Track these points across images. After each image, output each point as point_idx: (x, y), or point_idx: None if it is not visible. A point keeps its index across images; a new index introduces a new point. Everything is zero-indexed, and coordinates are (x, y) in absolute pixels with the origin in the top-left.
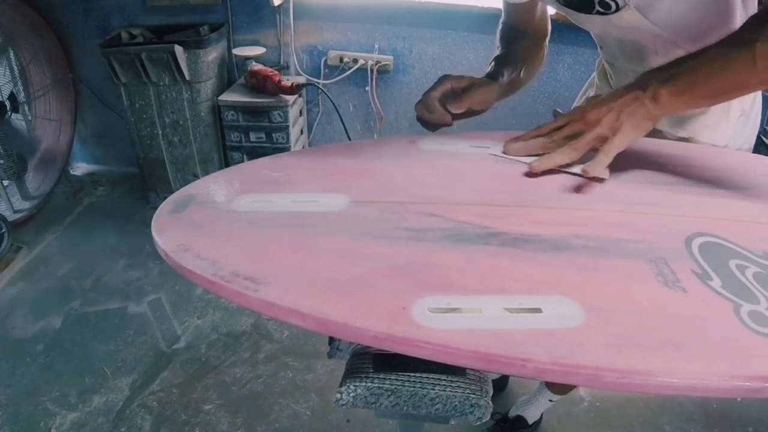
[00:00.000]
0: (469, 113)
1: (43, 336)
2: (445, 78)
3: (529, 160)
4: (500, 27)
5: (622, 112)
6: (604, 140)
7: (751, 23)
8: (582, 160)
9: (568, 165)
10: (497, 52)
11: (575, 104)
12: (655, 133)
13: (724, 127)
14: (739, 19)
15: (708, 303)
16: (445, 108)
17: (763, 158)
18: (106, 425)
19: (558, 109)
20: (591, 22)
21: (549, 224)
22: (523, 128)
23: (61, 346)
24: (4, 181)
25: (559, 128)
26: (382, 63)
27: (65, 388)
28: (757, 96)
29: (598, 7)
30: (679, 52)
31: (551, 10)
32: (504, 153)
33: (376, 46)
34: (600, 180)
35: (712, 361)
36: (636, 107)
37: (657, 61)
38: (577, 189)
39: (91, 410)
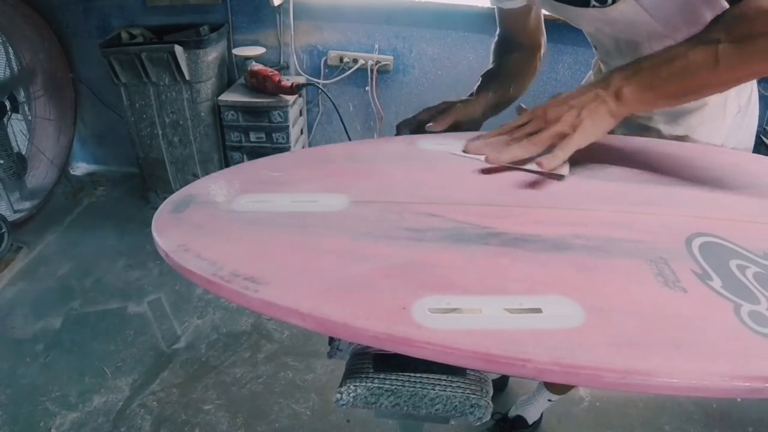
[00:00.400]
0: (456, 129)
1: (43, 336)
2: (424, 110)
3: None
4: (494, 40)
5: (583, 110)
6: (563, 137)
7: (715, 23)
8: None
9: (527, 161)
10: (488, 66)
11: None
12: (650, 132)
13: (720, 124)
14: None
15: (708, 303)
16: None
17: (763, 158)
18: (106, 425)
19: (522, 105)
20: (586, 18)
21: (549, 224)
22: None
23: (61, 346)
24: (4, 181)
25: (520, 126)
26: (382, 63)
27: (65, 388)
28: (753, 92)
29: (593, 1)
30: None
31: (546, 12)
32: (464, 151)
33: (376, 46)
34: (559, 177)
35: (713, 362)
36: (597, 105)
37: None
38: (578, 189)
39: (91, 410)
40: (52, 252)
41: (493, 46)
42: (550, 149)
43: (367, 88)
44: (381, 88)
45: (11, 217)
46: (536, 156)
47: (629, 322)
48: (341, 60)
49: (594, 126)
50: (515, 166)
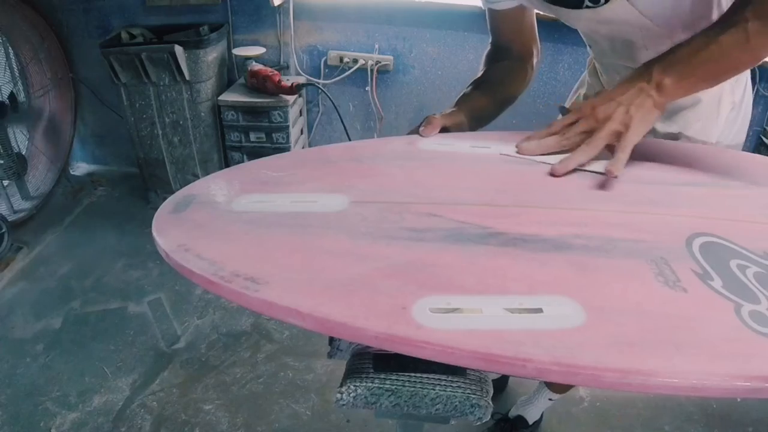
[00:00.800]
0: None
1: (43, 336)
2: (410, 131)
3: (543, 159)
4: (486, 49)
5: (630, 106)
6: (618, 135)
7: (738, 5)
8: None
9: (587, 163)
10: (478, 74)
11: (568, 102)
12: None
13: (714, 120)
14: (724, 6)
15: (709, 303)
16: None
17: (763, 158)
18: (106, 425)
19: (561, 104)
20: (580, 19)
21: (549, 224)
22: (523, 128)
23: (61, 346)
24: (4, 181)
25: (569, 125)
26: (382, 63)
27: (65, 388)
28: (747, 89)
29: (587, 2)
30: (669, 46)
31: (542, 18)
32: (518, 153)
33: (376, 46)
34: (615, 177)
35: (713, 361)
36: (642, 99)
37: (647, 55)
38: (577, 189)
39: (91, 410)
40: (52, 252)
41: (484, 55)
42: (607, 149)
43: (367, 88)
44: (381, 88)
45: (11, 217)
46: (593, 156)
47: (629, 322)
48: (341, 60)
49: (644, 120)
50: (580, 168)
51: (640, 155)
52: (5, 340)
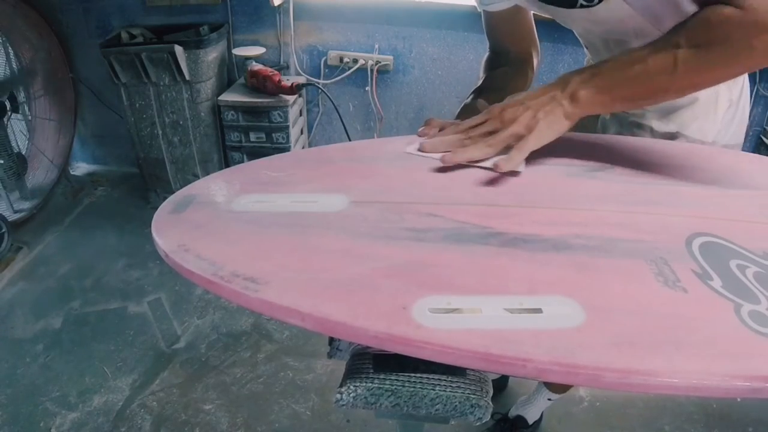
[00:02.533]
0: None
1: (43, 336)
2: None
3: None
4: (484, 57)
5: (539, 111)
6: (519, 138)
7: (677, 29)
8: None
9: (483, 161)
10: (478, 83)
11: (523, 93)
12: (643, 128)
13: (712, 119)
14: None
15: (708, 303)
16: None
17: (763, 158)
18: (106, 425)
19: (482, 100)
20: (575, 18)
21: (549, 224)
22: None
23: (61, 346)
24: (4, 181)
25: (476, 125)
26: (382, 63)
27: (65, 388)
28: (744, 86)
29: (581, 1)
30: None
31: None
32: (419, 150)
33: (376, 46)
34: (515, 173)
35: (713, 361)
36: (553, 107)
37: None
38: (578, 189)
39: (91, 410)
40: (52, 252)
41: (483, 62)
42: (506, 150)
43: (367, 88)
44: (381, 88)
45: (11, 217)
46: (492, 156)
47: (629, 322)
48: (341, 60)
49: (549, 128)
50: (471, 164)
51: (639, 155)
52: (5, 340)
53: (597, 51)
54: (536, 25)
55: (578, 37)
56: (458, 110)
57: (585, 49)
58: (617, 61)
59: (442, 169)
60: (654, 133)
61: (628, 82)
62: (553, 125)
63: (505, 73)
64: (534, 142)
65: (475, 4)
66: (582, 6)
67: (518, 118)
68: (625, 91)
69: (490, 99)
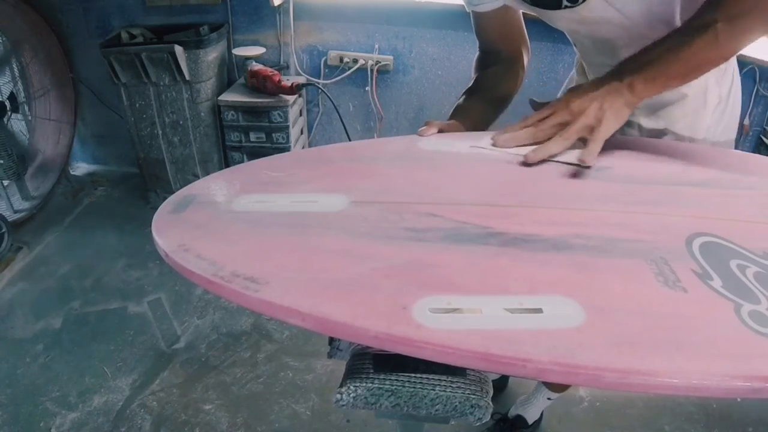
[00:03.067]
0: None
1: (43, 336)
2: None
3: (517, 151)
4: (475, 57)
5: (604, 102)
6: (590, 129)
7: (709, 7)
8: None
9: (559, 153)
10: (470, 83)
11: (584, 84)
12: (631, 126)
13: (702, 115)
14: (698, 3)
15: (708, 303)
16: None
17: (763, 158)
18: (106, 425)
19: (533, 98)
20: (561, 19)
21: (549, 224)
22: None
23: (61, 346)
24: (4, 181)
25: (543, 119)
26: (382, 63)
27: (65, 388)
28: (734, 82)
29: (565, 2)
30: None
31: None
32: (493, 146)
33: (376, 46)
34: (587, 167)
35: (713, 361)
36: (615, 97)
37: (629, 54)
38: (577, 189)
39: (91, 410)
40: (52, 252)
41: (474, 62)
42: (578, 142)
43: (367, 88)
44: (381, 88)
45: (11, 217)
46: (567, 149)
47: (629, 322)
48: (341, 60)
49: (615, 117)
50: (551, 160)
51: (639, 155)
52: (5, 340)
53: (585, 49)
54: (536, 27)
55: (567, 35)
56: (451, 110)
57: (574, 47)
58: (663, 46)
59: (523, 164)
60: (642, 130)
61: (678, 64)
62: (618, 115)
63: (495, 72)
64: (605, 132)
65: (464, 4)
66: (566, 7)
67: (586, 109)
68: (676, 72)
69: (482, 99)
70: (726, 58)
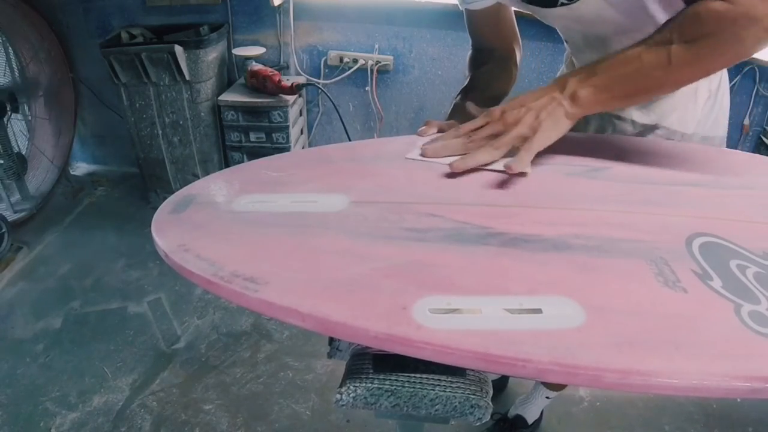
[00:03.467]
0: None
1: (43, 336)
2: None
3: (447, 161)
4: (468, 55)
5: (540, 112)
6: (524, 139)
7: (668, 24)
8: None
9: (489, 163)
10: (465, 82)
11: (522, 94)
12: (624, 121)
13: (692, 109)
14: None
15: (708, 303)
16: None
17: (763, 158)
18: (106, 425)
19: (471, 103)
20: (555, 16)
21: (549, 224)
22: None
23: (61, 346)
24: (4, 181)
25: (476, 129)
26: (382, 63)
27: (65, 388)
28: (723, 77)
29: (561, 0)
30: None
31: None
32: (422, 156)
33: (376, 46)
34: (523, 174)
35: (713, 362)
36: (554, 107)
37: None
38: (577, 189)
39: (91, 410)
40: (52, 252)
41: (467, 60)
42: (511, 152)
43: (367, 88)
44: (381, 88)
45: (11, 217)
46: (498, 159)
47: (629, 322)
48: (341, 60)
49: (553, 128)
50: (480, 168)
51: (638, 155)
52: (5, 340)
53: (577, 46)
54: (535, 27)
55: (559, 32)
56: (449, 110)
57: (565, 44)
58: (613, 60)
59: (449, 174)
60: (635, 125)
61: (625, 80)
62: (556, 125)
63: (490, 71)
64: (539, 143)
65: (458, 3)
66: (563, 4)
67: (521, 119)
68: (622, 88)
69: (477, 98)
70: (677, 85)
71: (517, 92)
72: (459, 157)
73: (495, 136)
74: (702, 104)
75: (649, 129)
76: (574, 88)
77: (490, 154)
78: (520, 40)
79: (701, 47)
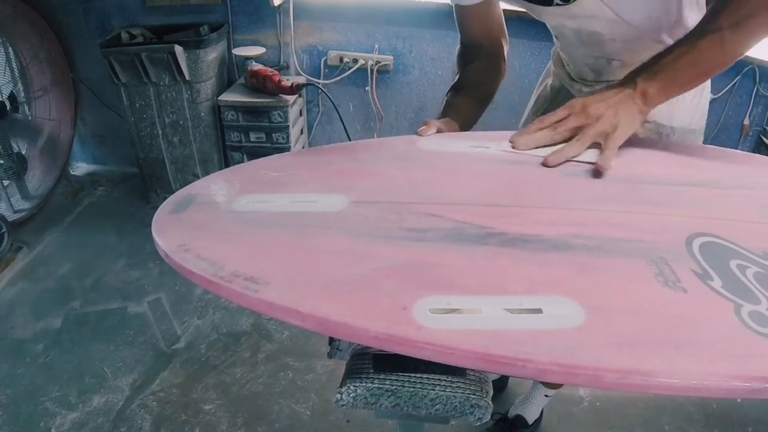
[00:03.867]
0: None
1: (43, 336)
2: None
3: (536, 152)
4: (457, 50)
5: (619, 109)
6: (605, 135)
7: (712, 13)
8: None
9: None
10: (454, 79)
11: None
12: None
13: (681, 106)
14: (685, 1)
15: (708, 303)
16: None
17: (763, 158)
18: (106, 425)
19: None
20: (550, 14)
21: (549, 224)
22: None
23: (61, 346)
24: (4, 181)
25: (560, 121)
26: (382, 63)
27: (65, 388)
28: None
29: (557, 0)
30: (635, 37)
31: (512, 16)
32: (512, 148)
33: (376, 46)
34: (606, 170)
35: (713, 362)
36: (630, 104)
37: (614, 47)
38: (577, 189)
39: (91, 410)
40: (52, 252)
41: (455, 57)
42: (594, 145)
43: (367, 88)
44: (381, 88)
45: (11, 217)
46: (582, 152)
47: (629, 322)
48: (341, 60)
49: (629, 124)
50: (569, 160)
51: (639, 155)
52: (5, 340)
53: (569, 42)
54: (535, 27)
55: (550, 28)
56: (441, 109)
57: (555, 39)
58: (674, 54)
59: (543, 169)
60: None
61: (687, 70)
62: (631, 122)
63: (480, 67)
64: (620, 138)
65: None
66: (558, 4)
67: (602, 115)
68: (685, 77)
69: (469, 95)
70: (732, 62)
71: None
72: (550, 151)
73: (578, 128)
74: (690, 98)
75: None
76: (644, 86)
77: (577, 149)
78: (507, 36)
79: (747, 27)
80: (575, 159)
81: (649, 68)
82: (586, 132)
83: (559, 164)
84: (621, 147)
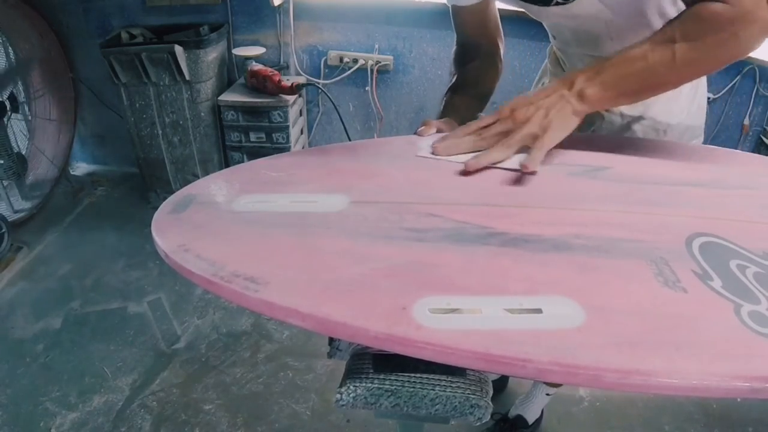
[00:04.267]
0: None
1: (43, 336)
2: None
3: (457, 159)
4: (453, 50)
5: (550, 110)
6: (534, 138)
7: (672, 24)
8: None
9: (501, 161)
10: (452, 80)
11: (531, 92)
12: (610, 113)
13: (676, 99)
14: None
15: (708, 303)
16: None
17: (763, 158)
18: (106, 425)
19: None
20: (548, 14)
21: (549, 224)
22: None
23: (61, 346)
24: (4, 181)
25: (486, 126)
26: (382, 63)
27: (65, 388)
28: None
29: None
30: (633, 37)
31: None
32: (433, 153)
33: (376, 46)
34: (533, 172)
35: (713, 362)
36: (562, 105)
37: (611, 45)
38: (577, 189)
39: (91, 410)
40: (52, 252)
41: (452, 56)
42: (522, 150)
43: (367, 88)
44: (381, 88)
45: (11, 217)
46: (510, 157)
47: (629, 322)
48: (341, 60)
49: (562, 126)
50: (493, 166)
51: (639, 155)
52: (5, 340)
53: (566, 41)
54: (535, 27)
55: (547, 28)
56: (441, 108)
57: (552, 38)
58: (619, 58)
59: (461, 173)
60: (623, 117)
61: (631, 78)
62: (565, 123)
63: (478, 67)
64: (550, 141)
65: (445, 0)
66: (557, 4)
67: (531, 117)
68: (628, 86)
69: (467, 95)
70: (681, 82)
71: (511, 91)
72: (472, 155)
73: (505, 133)
74: (686, 93)
75: (635, 120)
76: (581, 86)
77: (502, 153)
78: (502, 35)
79: (703, 46)
80: (499, 166)
81: (592, 69)
82: (512, 136)
83: (479, 169)
84: (620, 147)
